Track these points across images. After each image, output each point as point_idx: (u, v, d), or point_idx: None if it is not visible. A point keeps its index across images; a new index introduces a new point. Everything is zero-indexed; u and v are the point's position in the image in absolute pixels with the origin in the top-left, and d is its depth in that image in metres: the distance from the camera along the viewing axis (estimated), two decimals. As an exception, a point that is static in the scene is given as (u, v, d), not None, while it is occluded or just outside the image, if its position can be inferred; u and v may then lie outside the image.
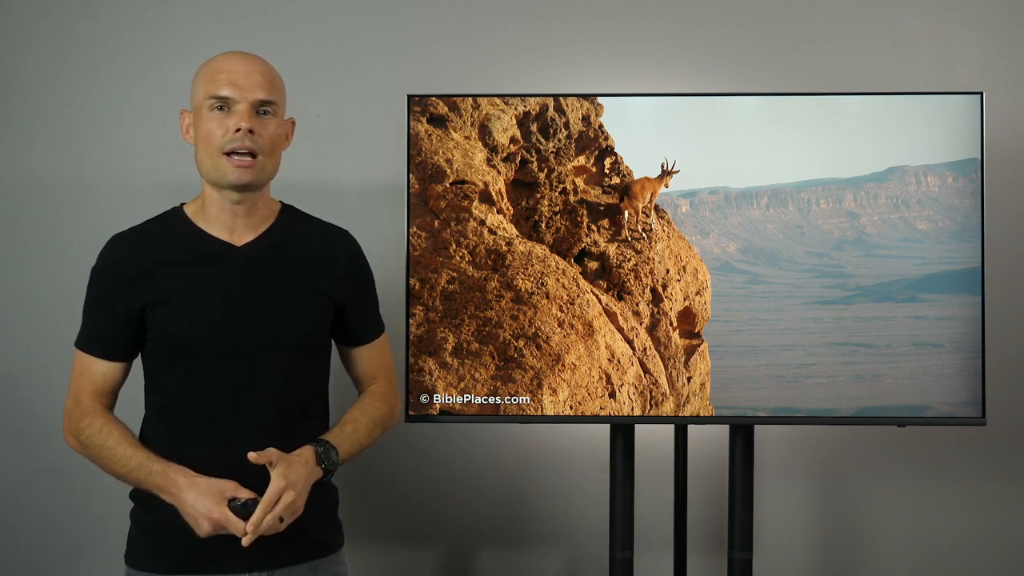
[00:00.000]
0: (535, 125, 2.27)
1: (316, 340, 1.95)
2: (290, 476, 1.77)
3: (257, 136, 1.83)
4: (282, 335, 1.89)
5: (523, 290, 2.25)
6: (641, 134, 2.26)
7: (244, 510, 1.77)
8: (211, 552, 1.84)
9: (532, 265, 2.25)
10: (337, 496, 2.02)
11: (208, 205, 1.90)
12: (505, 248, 2.25)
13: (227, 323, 1.86)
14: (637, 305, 2.27)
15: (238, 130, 1.82)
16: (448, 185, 2.25)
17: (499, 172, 2.26)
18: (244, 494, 1.78)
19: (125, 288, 1.87)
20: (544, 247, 2.26)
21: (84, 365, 1.91)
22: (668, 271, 2.27)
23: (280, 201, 1.99)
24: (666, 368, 2.27)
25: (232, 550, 1.82)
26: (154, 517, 1.87)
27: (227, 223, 1.90)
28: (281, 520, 1.77)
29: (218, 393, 1.86)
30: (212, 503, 1.77)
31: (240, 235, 1.91)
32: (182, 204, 1.96)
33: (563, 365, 2.24)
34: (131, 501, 1.93)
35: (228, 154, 1.83)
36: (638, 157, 2.26)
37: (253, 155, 1.83)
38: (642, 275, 2.27)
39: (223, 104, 1.83)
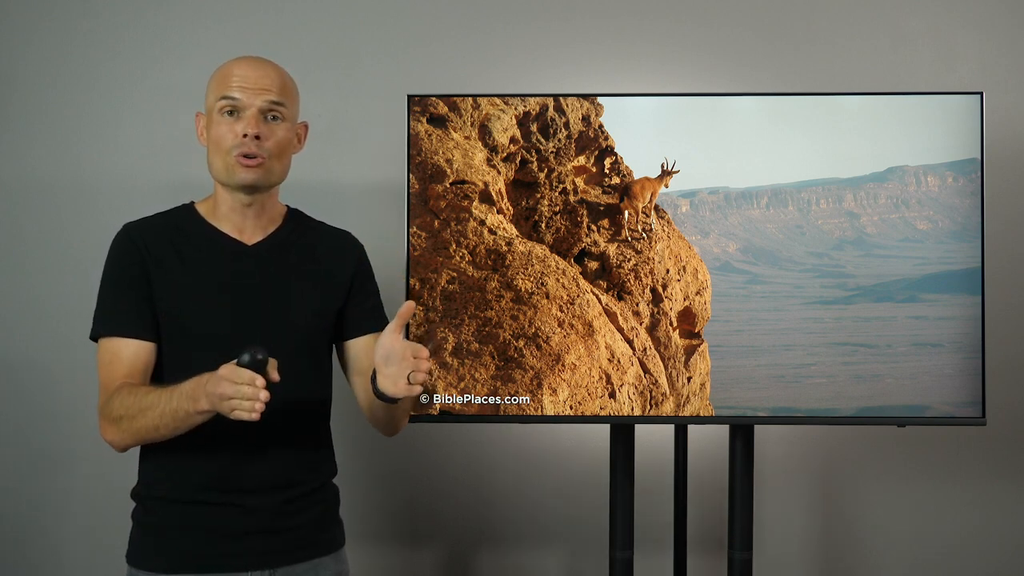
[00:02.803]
0: (535, 125, 2.27)
1: (320, 339, 1.96)
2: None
3: (264, 141, 1.86)
4: (289, 332, 1.89)
5: (523, 290, 2.25)
6: (641, 134, 2.26)
7: (253, 363, 1.59)
8: (213, 551, 1.85)
9: (532, 265, 2.25)
10: (338, 495, 2.02)
11: (220, 204, 1.93)
12: (505, 248, 2.25)
13: (236, 318, 1.87)
14: (637, 305, 2.27)
15: (246, 135, 1.84)
16: (448, 185, 2.25)
17: (499, 172, 2.26)
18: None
19: (149, 266, 1.86)
20: (544, 247, 2.26)
21: (111, 351, 1.83)
22: (668, 271, 2.27)
23: (286, 205, 2.01)
24: (666, 368, 2.27)
25: (234, 549, 1.82)
26: (155, 517, 1.87)
27: (237, 223, 1.93)
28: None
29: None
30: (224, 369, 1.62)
31: (250, 235, 1.93)
32: (192, 202, 1.97)
33: (563, 365, 2.24)
34: (132, 501, 1.93)
35: (237, 156, 1.86)
36: (638, 157, 2.26)
37: (260, 159, 1.86)
38: (642, 275, 2.27)
39: (232, 107, 1.86)
